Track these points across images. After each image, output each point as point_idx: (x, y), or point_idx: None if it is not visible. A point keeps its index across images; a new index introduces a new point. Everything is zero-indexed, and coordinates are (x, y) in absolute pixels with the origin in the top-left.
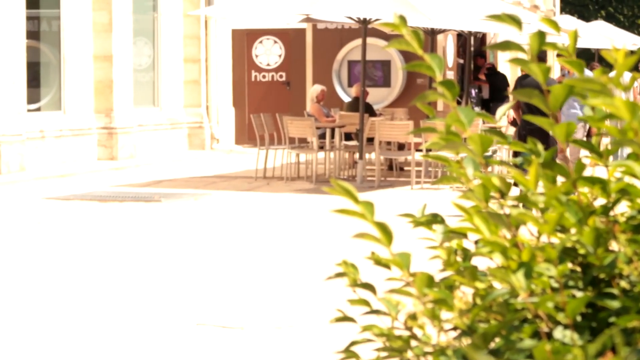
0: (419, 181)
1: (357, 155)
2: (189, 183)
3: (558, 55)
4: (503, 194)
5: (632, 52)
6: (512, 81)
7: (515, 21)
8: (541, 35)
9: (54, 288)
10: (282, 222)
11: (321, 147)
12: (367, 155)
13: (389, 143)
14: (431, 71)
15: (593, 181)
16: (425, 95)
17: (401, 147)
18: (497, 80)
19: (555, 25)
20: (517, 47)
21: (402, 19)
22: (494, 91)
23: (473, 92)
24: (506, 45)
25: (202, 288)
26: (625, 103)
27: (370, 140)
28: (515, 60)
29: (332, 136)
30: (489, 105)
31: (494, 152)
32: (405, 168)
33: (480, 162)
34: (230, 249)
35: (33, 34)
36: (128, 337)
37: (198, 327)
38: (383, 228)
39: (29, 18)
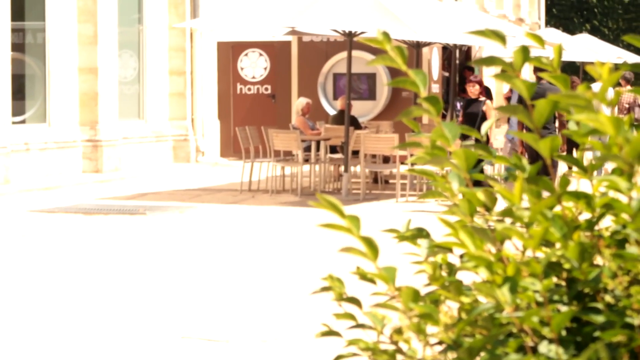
0: (404, 194)
1: (342, 168)
2: (174, 196)
3: (538, 70)
4: (488, 209)
5: (616, 67)
6: (496, 95)
7: (499, 37)
8: (525, 50)
9: (39, 301)
10: (267, 235)
11: (306, 160)
12: (352, 168)
13: (374, 156)
14: (415, 87)
15: (578, 196)
16: (410, 110)
17: (386, 160)
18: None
19: (539, 40)
20: (502, 62)
21: (386, 35)
22: None
23: (458, 105)
24: (491, 61)
25: (188, 301)
26: (610, 118)
27: (356, 153)
28: (500, 76)
29: (318, 149)
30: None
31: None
32: (391, 181)
33: (465, 177)
34: (215, 262)
35: (18, 46)
36: (113, 350)
37: (183, 340)
38: (369, 242)
39: (13, 30)
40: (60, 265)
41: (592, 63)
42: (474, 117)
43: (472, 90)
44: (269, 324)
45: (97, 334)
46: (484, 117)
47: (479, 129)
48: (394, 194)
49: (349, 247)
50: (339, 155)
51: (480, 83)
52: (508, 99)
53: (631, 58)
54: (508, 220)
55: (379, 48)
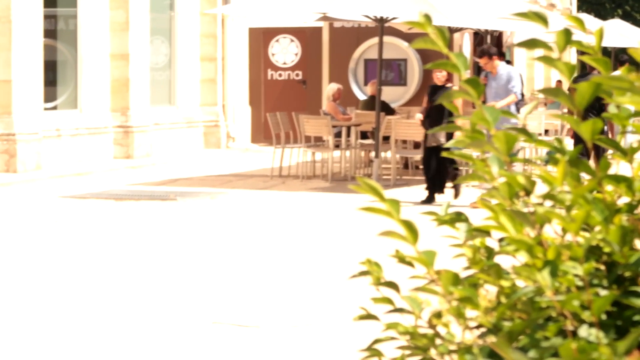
0: None
1: (372, 154)
2: (204, 182)
3: (582, 54)
4: (528, 192)
5: None
6: (528, 79)
7: (542, 18)
8: (567, 32)
9: (71, 287)
10: (298, 220)
11: (337, 146)
12: (382, 154)
13: (404, 141)
14: (456, 69)
15: (618, 179)
16: (450, 93)
17: (417, 145)
18: None
19: (580, 22)
20: (544, 45)
21: (428, 17)
22: None
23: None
24: (532, 43)
25: (218, 286)
26: None
27: (386, 138)
28: (542, 59)
29: (348, 135)
30: None
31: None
32: (421, 167)
33: (505, 160)
34: (246, 248)
35: (50, 33)
36: (144, 335)
37: (214, 326)
38: (409, 226)
39: (46, 17)
40: (91, 251)
41: (623, 49)
42: (440, 106)
43: (439, 76)
44: (301, 309)
45: (128, 318)
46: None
47: (446, 115)
48: (424, 179)
49: (390, 230)
50: (369, 141)
51: None
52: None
53: None
54: (548, 204)
55: (410, 34)
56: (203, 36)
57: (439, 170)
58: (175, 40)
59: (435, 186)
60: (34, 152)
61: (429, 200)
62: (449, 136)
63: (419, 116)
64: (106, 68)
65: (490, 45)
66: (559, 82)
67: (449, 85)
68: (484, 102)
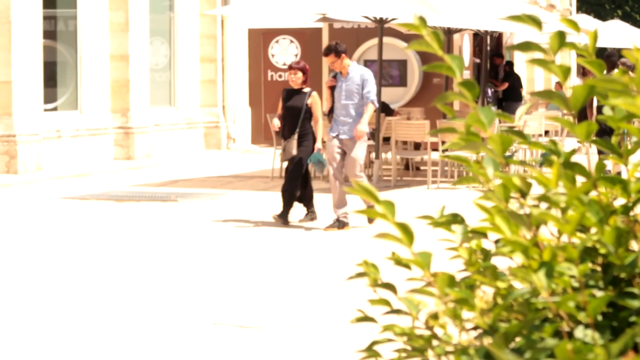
0: (435, 181)
1: (373, 155)
2: (205, 183)
3: (578, 56)
4: (523, 194)
5: None
6: (528, 80)
7: (535, 21)
8: (561, 35)
9: (72, 288)
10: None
11: None
12: (383, 155)
13: (405, 142)
14: (451, 72)
15: (613, 181)
16: (445, 95)
17: (417, 146)
18: (512, 80)
19: (574, 25)
20: (537, 47)
21: (422, 19)
22: (507, 90)
23: (489, 91)
24: (526, 46)
25: (219, 288)
26: None
27: (387, 139)
28: (536, 61)
29: None
30: (501, 105)
31: (513, 152)
32: (422, 168)
33: (500, 162)
34: (247, 249)
35: (50, 34)
36: (145, 336)
37: (215, 327)
38: (404, 228)
39: (45, 18)
40: (92, 251)
41: (622, 50)
42: (296, 112)
43: (294, 78)
44: (301, 311)
45: (129, 319)
46: (309, 111)
47: (301, 125)
48: (425, 180)
49: (385, 232)
50: (370, 142)
51: (303, 70)
52: (332, 87)
53: None
54: (543, 205)
55: (410, 34)
56: (203, 37)
57: (291, 184)
58: (175, 41)
59: (292, 200)
60: (34, 153)
61: (283, 217)
62: (302, 147)
63: (277, 123)
64: (106, 69)
65: (338, 42)
66: (559, 83)
67: (306, 89)
68: (331, 109)
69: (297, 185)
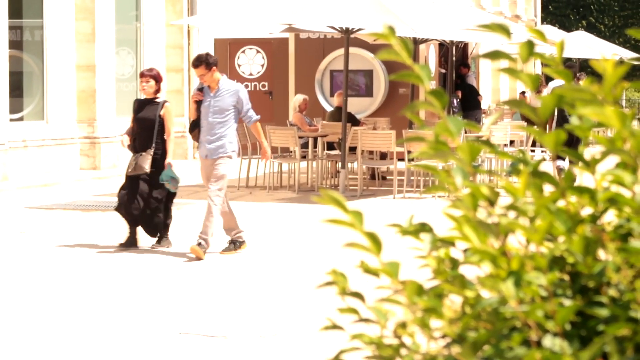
0: (401, 190)
1: (339, 165)
2: None
3: (545, 65)
4: (492, 203)
5: (621, 62)
6: (493, 90)
7: (504, 30)
8: (530, 44)
9: (38, 298)
10: (265, 231)
11: (303, 157)
12: (349, 165)
13: (371, 152)
14: (419, 80)
15: (581, 190)
16: (414, 104)
17: (383, 156)
18: (464, 90)
19: (541, 35)
20: (506, 56)
21: (391, 29)
22: (463, 100)
23: (455, 101)
24: (495, 55)
25: (185, 297)
26: (615, 112)
27: (353, 149)
28: (506, 70)
29: (315, 145)
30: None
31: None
32: (388, 177)
33: (469, 171)
34: (213, 258)
35: (16, 44)
36: (110, 345)
37: (181, 336)
38: (372, 237)
39: (11, 27)
40: (58, 262)
41: (588, 60)
42: (149, 123)
43: (146, 87)
44: (268, 320)
45: (95, 330)
46: (162, 123)
47: (157, 136)
48: (391, 190)
49: (353, 242)
50: (336, 152)
51: (156, 78)
52: (198, 102)
53: (627, 54)
54: (512, 215)
55: (376, 45)
56: (169, 47)
57: (146, 205)
58: (141, 51)
59: (137, 224)
60: (0, 163)
61: (130, 243)
62: (154, 162)
63: (126, 140)
64: (72, 79)
65: (209, 53)
66: (523, 93)
67: (159, 99)
68: (196, 120)
69: (156, 206)
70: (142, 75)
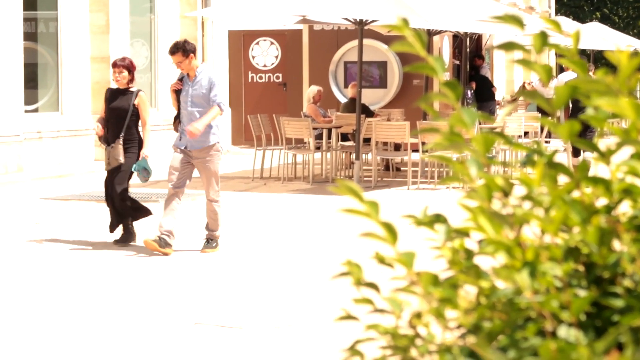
0: (415, 181)
1: (353, 156)
2: None
3: (559, 56)
4: (506, 194)
5: (636, 53)
6: (508, 82)
7: (518, 21)
8: (544, 35)
9: (53, 289)
10: (279, 222)
11: (318, 148)
12: (363, 156)
13: (385, 143)
14: (433, 72)
15: (596, 181)
16: (428, 96)
17: (397, 147)
18: (478, 81)
19: (557, 25)
20: (520, 47)
21: (405, 20)
22: (477, 92)
23: (469, 93)
24: (509, 46)
25: (201, 287)
26: (630, 103)
27: (367, 140)
28: (519, 61)
29: (329, 137)
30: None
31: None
32: (402, 168)
33: (483, 162)
34: (228, 249)
35: (30, 36)
36: (125, 336)
37: (196, 327)
38: (388, 227)
39: (26, 19)
40: (73, 252)
41: (602, 51)
42: (121, 113)
43: (119, 77)
44: (283, 310)
45: (109, 319)
46: (135, 112)
47: (128, 126)
48: (405, 181)
49: (370, 231)
50: (350, 143)
51: (129, 68)
52: (177, 91)
53: None
54: (527, 205)
55: (389, 36)
56: (183, 39)
57: (120, 200)
58: (155, 43)
59: (126, 217)
60: (15, 155)
61: (125, 239)
62: (129, 154)
63: (99, 127)
64: (87, 71)
65: (187, 40)
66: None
67: (133, 88)
68: (178, 116)
69: (126, 198)
70: (114, 65)
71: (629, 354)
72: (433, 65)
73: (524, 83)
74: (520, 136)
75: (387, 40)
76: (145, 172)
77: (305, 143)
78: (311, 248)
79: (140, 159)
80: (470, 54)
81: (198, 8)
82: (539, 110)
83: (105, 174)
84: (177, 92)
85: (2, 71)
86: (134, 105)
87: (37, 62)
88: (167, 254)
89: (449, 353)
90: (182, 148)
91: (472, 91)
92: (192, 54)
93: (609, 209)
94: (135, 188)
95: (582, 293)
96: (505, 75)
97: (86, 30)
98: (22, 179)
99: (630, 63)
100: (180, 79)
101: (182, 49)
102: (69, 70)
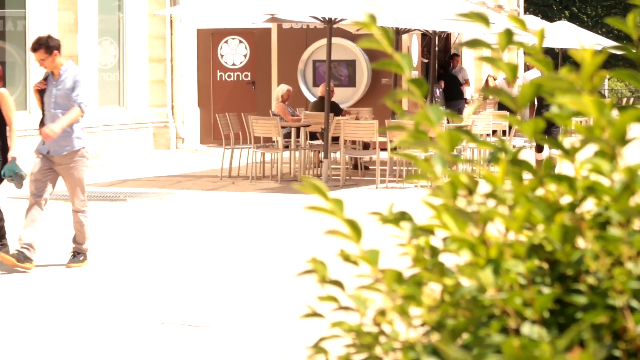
0: (383, 180)
1: (322, 155)
2: (154, 182)
3: (525, 54)
4: (471, 191)
5: (599, 52)
6: (476, 80)
7: (483, 19)
8: (509, 33)
9: (18, 289)
10: (248, 220)
11: (286, 147)
12: (332, 155)
13: (354, 142)
14: (400, 69)
15: (560, 178)
16: (395, 93)
17: (366, 146)
18: (447, 80)
19: (522, 23)
20: (485, 45)
21: (373, 17)
22: (445, 90)
23: (437, 91)
24: (475, 43)
25: (168, 286)
26: (593, 100)
27: (336, 139)
28: (485, 58)
29: (298, 135)
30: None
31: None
32: (370, 167)
33: (448, 159)
34: (196, 248)
35: None
36: (93, 335)
37: (163, 326)
38: (353, 225)
39: None
40: (40, 251)
41: (569, 50)
42: None
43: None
44: (250, 309)
45: (76, 319)
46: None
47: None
48: (373, 180)
49: (334, 229)
50: (318, 142)
51: None
52: (41, 91)
53: (609, 44)
54: (491, 203)
55: (358, 35)
56: (152, 37)
57: None
58: (124, 42)
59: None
60: None
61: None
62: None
63: None
64: None
65: (50, 35)
66: (489, 77)
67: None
68: (43, 119)
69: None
70: None
71: (590, 351)
72: (400, 62)
73: (488, 76)
74: (488, 135)
75: (355, 38)
76: (18, 177)
77: (274, 142)
78: (278, 246)
79: (9, 162)
80: (444, 54)
81: (167, 6)
82: (505, 107)
83: None
84: (42, 93)
85: None
86: None
87: (5, 60)
88: (27, 269)
89: (413, 350)
90: (45, 154)
91: (441, 90)
92: (56, 51)
93: (572, 207)
94: (104, 187)
95: (546, 290)
96: (474, 73)
97: (54, 28)
98: None
99: (593, 60)
100: (45, 78)
101: (45, 45)
102: (37, 68)
